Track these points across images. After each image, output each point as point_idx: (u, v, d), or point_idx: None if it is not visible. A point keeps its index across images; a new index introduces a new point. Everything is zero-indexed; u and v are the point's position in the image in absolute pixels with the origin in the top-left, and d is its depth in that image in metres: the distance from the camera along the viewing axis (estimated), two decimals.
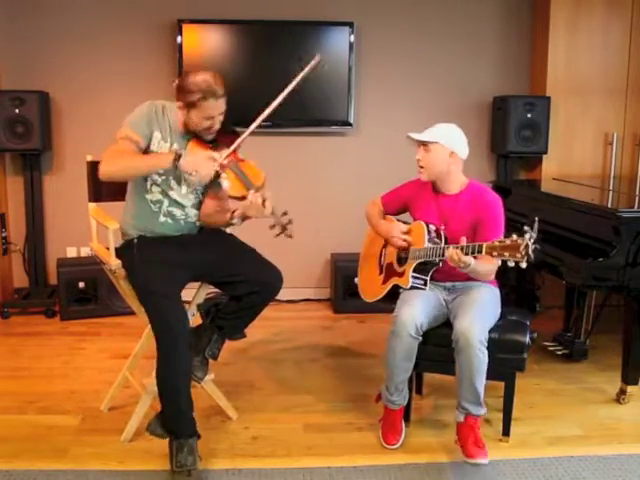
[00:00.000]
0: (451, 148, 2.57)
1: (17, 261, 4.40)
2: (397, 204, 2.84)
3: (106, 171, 2.36)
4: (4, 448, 2.53)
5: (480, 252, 2.27)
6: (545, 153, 4.31)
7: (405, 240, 2.64)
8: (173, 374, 2.31)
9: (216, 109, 2.40)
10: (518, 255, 2.13)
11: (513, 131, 4.22)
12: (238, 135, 2.47)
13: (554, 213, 3.14)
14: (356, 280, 3.03)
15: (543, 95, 4.27)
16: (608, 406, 2.97)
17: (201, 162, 2.32)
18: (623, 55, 4.28)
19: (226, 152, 2.41)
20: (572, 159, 4.36)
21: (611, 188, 3.92)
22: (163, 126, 2.46)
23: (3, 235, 4.27)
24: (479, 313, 2.45)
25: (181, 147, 2.46)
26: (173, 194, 2.53)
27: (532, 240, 2.10)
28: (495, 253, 2.20)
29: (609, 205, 3.41)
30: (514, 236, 2.16)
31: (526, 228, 2.12)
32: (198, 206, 2.62)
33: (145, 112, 2.44)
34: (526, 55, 4.47)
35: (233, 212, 2.48)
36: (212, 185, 2.55)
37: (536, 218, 2.15)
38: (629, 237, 2.71)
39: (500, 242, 2.20)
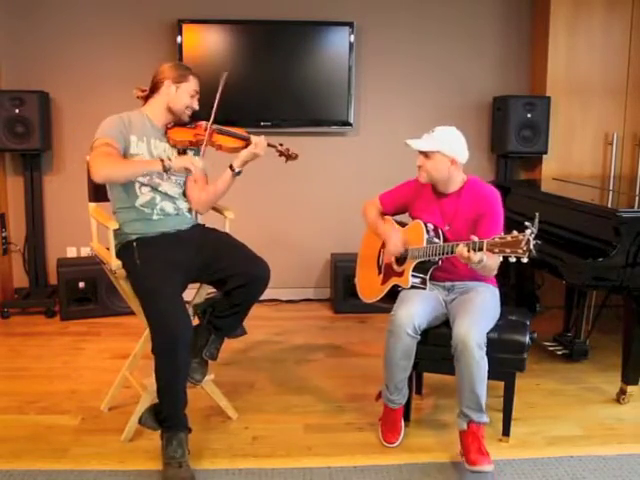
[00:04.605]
0: (452, 155, 2.55)
1: (17, 261, 4.40)
2: (396, 204, 2.82)
3: (104, 172, 2.44)
4: (4, 448, 2.53)
5: (481, 249, 2.25)
6: (545, 153, 4.31)
7: (402, 246, 2.64)
8: (172, 375, 2.32)
9: (198, 85, 2.69)
10: (519, 251, 2.12)
11: (513, 131, 4.22)
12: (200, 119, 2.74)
13: (554, 213, 3.13)
14: (355, 281, 3.01)
15: (543, 95, 4.27)
16: (608, 406, 2.97)
17: (188, 160, 2.48)
18: (623, 55, 4.28)
19: (206, 138, 2.65)
20: (572, 159, 4.36)
21: (611, 188, 3.92)
22: (135, 128, 2.58)
23: (3, 235, 4.27)
24: (477, 316, 2.43)
25: (157, 139, 2.61)
26: (163, 187, 2.60)
27: (533, 235, 2.11)
28: (496, 250, 2.19)
29: (609, 205, 3.41)
30: (514, 232, 2.16)
31: (527, 223, 2.12)
32: (185, 196, 2.71)
33: (115, 122, 2.57)
34: (526, 55, 4.47)
35: (231, 165, 2.65)
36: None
37: (536, 213, 2.15)
38: (629, 237, 2.71)
39: (501, 238, 2.19)
